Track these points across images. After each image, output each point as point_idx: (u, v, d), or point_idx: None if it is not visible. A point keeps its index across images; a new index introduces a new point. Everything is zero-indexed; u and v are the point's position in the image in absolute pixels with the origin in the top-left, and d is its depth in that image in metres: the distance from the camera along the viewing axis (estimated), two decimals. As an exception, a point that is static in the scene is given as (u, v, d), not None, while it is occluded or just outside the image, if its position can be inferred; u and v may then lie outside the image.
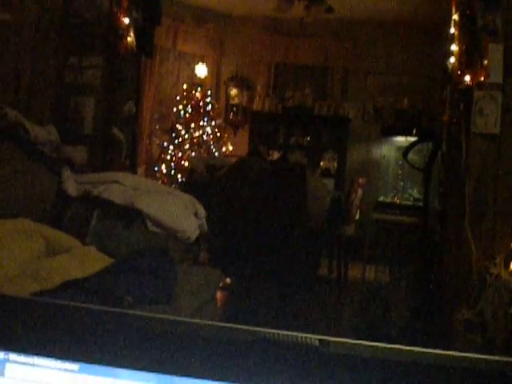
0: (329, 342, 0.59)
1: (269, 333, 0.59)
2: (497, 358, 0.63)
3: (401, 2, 8.98)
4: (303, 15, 8.79)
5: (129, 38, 5.13)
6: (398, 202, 9.07)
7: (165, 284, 3.01)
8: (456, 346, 3.95)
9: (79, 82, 4.90)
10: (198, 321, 0.62)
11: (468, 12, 4.49)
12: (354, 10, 9.67)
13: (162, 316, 0.66)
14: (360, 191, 8.07)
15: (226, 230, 6.38)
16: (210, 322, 0.61)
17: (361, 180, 8.14)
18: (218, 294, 5.33)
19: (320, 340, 0.59)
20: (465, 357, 0.59)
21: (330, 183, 9.38)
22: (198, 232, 4.00)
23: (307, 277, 6.75)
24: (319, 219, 7.06)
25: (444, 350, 0.61)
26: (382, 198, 9.39)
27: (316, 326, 5.33)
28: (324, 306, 6.64)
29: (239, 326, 0.60)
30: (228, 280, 6.35)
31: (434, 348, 0.60)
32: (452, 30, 4.87)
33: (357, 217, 8.16)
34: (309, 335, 0.59)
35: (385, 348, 0.58)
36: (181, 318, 0.64)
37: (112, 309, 0.72)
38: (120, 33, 5.02)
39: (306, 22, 9.82)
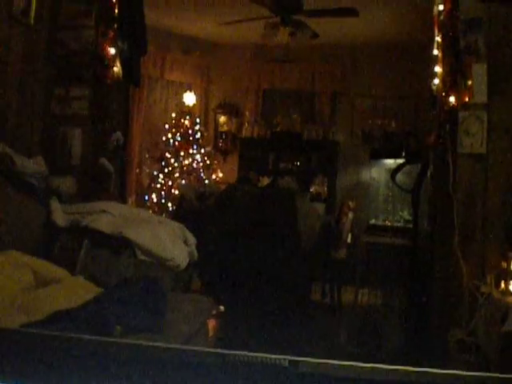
0: (298, 362, 0.59)
1: (239, 355, 0.59)
2: (482, 374, 0.63)
3: (385, 25, 9.06)
4: (288, 41, 8.85)
5: (115, 68, 5.14)
6: (388, 224, 9.08)
7: (155, 313, 2.99)
8: (450, 367, 3.94)
9: (67, 113, 4.91)
10: (167, 345, 0.62)
11: (451, 33, 4.54)
12: (339, 34, 9.75)
13: (126, 341, 0.65)
14: (351, 215, 8.08)
15: (217, 258, 6.36)
16: (179, 347, 0.61)
17: (351, 203, 8.16)
18: (211, 322, 5.30)
19: (290, 361, 0.59)
20: (435, 373, 0.59)
21: (320, 208, 9.38)
22: (187, 260, 3.99)
23: (300, 302, 6.73)
24: (311, 244, 7.05)
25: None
26: (372, 221, 9.39)
27: (310, 351, 5.30)
28: (317, 330, 6.61)
29: (209, 350, 0.60)
30: (221, 307, 6.32)
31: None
32: (435, 52, 4.91)
33: (348, 240, 8.16)
34: (278, 356, 0.60)
35: (353, 366, 0.59)
36: (149, 343, 0.64)
37: (97, 338, 0.71)
38: (106, 63, 5.04)
39: (292, 48, 9.91)
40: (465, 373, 0.64)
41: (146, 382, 0.66)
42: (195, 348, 0.62)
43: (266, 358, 0.61)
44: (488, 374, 0.64)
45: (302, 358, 0.60)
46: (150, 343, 0.66)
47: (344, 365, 0.60)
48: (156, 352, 0.65)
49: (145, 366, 0.66)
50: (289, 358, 0.61)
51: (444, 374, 0.63)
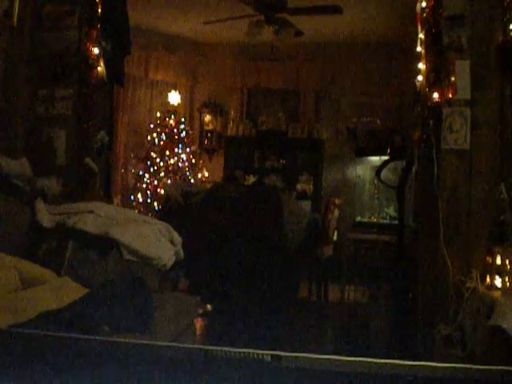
0: (280, 356, 0.59)
1: (221, 351, 0.60)
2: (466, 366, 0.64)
3: (369, 22, 9.09)
4: (273, 40, 8.87)
5: (99, 68, 5.13)
6: (374, 221, 9.10)
7: (142, 312, 2.99)
8: (436, 362, 3.95)
9: (51, 114, 4.89)
10: (151, 342, 0.62)
11: (434, 30, 4.55)
12: (324, 32, 9.77)
13: (112, 339, 0.66)
14: (337, 212, 8.10)
15: (203, 257, 6.36)
16: (163, 343, 0.62)
17: (337, 201, 8.18)
18: (198, 321, 5.31)
19: (272, 355, 0.60)
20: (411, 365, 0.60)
21: (306, 205, 9.41)
22: (174, 259, 3.99)
23: (287, 300, 6.74)
24: (297, 241, 7.06)
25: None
26: (358, 218, 9.41)
27: (298, 348, 5.31)
28: (304, 328, 6.62)
29: (192, 346, 0.61)
30: (208, 306, 6.32)
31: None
32: (419, 49, 4.93)
33: (334, 237, 8.18)
34: (261, 351, 0.60)
35: (334, 360, 0.59)
36: (130, 340, 0.64)
37: (83, 336, 0.72)
38: (90, 63, 5.02)
39: (277, 47, 9.92)
40: (449, 365, 0.65)
41: (132, 378, 0.66)
42: (179, 344, 0.63)
43: (249, 353, 0.61)
44: (471, 366, 0.65)
45: (284, 353, 0.61)
46: (135, 341, 0.66)
47: (325, 359, 0.61)
48: (140, 349, 0.65)
49: (130, 363, 0.66)
50: (271, 352, 0.61)
51: (428, 366, 0.64)
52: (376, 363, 0.60)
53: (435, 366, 0.64)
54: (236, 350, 0.61)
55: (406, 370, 0.60)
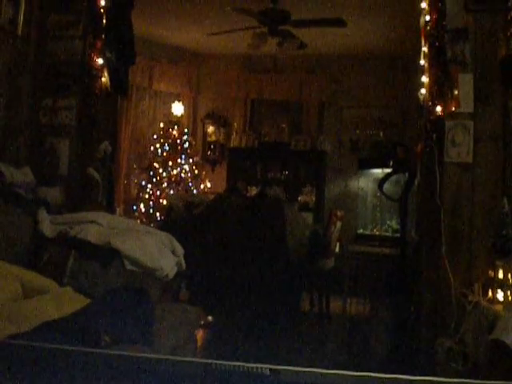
0: (279, 370, 0.59)
1: (221, 365, 0.60)
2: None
3: (372, 35, 9.11)
4: (276, 52, 8.89)
5: (103, 79, 5.15)
6: (377, 233, 9.08)
7: (143, 323, 2.99)
8: (438, 375, 3.94)
9: (54, 123, 4.90)
10: (152, 356, 0.62)
11: (437, 43, 4.56)
12: (327, 45, 9.80)
13: (112, 352, 0.66)
14: (339, 224, 8.09)
15: (205, 268, 6.36)
16: (163, 357, 0.62)
17: (339, 213, 8.17)
18: (199, 332, 5.30)
19: (271, 369, 0.60)
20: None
21: (308, 217, 9.40)
22: (175, 270, 3.98)
23: (289, 312, 6.73)
24: (299, 253, 7.06)
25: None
26: (361, 230, 9.40)
27: (298, 361, 5.29)
28: (306, 340, 6.61)
29: (192, 359, 0.61)
30: (209, 317, 6.31)
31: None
32: (422, 62, 4.94)
33: (336, 250, 8.17)
34: (260, 365, 0.60)
35: (333, 374, 0.59)
36: (130, 354, 0.64)
37: (84, 349, 0.72)
38: (94, 73, 5.04)
39: (280, 58, 9.95)
40: (451, 380, 0.65)
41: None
42: (178, 358, 0.63)
43: (248, 366, 0.61)
44: (472, 381, 0.65)
45: (282, 367, 0.61)
46: (135, 354, 0.66)
47: (324, 373, 0.61)
48: (140, 362, 0.65)
49: (130, 375, 0.66)
50: (270, 366, 0.61)
51: (430, 381, 0.64)
52: (376, 378, 0.60)
53: (438, 381, 0.64)
54: (235, 363, 0.61)
55: None
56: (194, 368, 0.63)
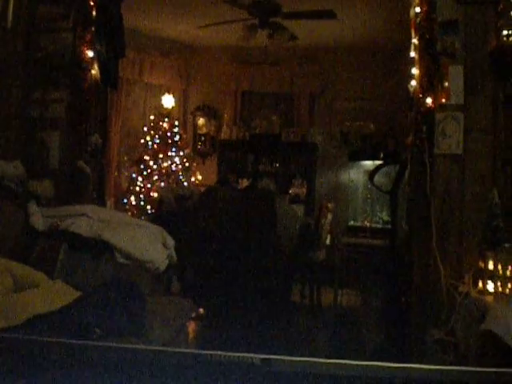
0: (270, 360, 0.60)
1: (212, 355, 0.60)
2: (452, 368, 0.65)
3: (363, 28, 9.11)
4: (267, 44, 8.88)
5: (93, 71, 5.13)
6: (367, 225, 9.12)
7: (134, 315, 2.99)
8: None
9: (44, 117, 4.88)
10: (144, 347, 0.62)
11: (427, 35, 4.57)
12: (317, 37, 9.79)
13: (104, 344, 0.66)
14: (330, 216, 8.10)
15: (196, 260, 6.36)
16: (155, 348, 0.62)
17: (330, 205, 8.18)
18: (191, 324, 5.30)
19: (262, 359, 0.60)
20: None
21: (299, 209, 9.40)
22: (167, 262, 3.99)
23: (280, 303, 6.74)
24: (290, 245, 7.07)
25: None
26: (351, 222, 9.44)
27: (289, 352, 5.30)
28: (297, 331, 6.62)
29: (184, 350, 0.61)
30: (201, 310, 6.31)
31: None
32: (412, 54, 4.94)
33: (327, 241, 8.19)
34: (251, 355, 0.60)
35: (323, 363, 0.60)
36: (122, 345, 0.65)
37: (75, 341, 0.72)
38: (84, 66, 5.02)
39: (270, 50, 9.93)
40: (440, 367, 0.65)
41: (123, 382, 0.66)
42: (170, 349, 0.63)
43: (239, 356, 0.62)
44: (461, 368, 0.65)
45: (273, 356, 0.61)
46: (127, 345, 0.66)
47: (314, 362, 0.61)
48: (132, 354, 0.66)
49: (121, 367, 0.66)
50: (261, 356, 0.62)
51: (421, 368, 0.64)
52: (367, 366, 0.61)
53: (428, 369, 0.65)
54: (227, 353, 0.62)
55: (399, 372, 0.61)
56: (186, 358, 0.63)
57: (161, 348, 0.64)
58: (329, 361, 0.61)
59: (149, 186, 9.67)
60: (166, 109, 10.22)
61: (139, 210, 9.51)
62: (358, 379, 0.60)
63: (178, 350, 0.64)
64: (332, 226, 8.25)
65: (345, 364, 0.61)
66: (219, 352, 0.63)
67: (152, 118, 10.16)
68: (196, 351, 0.63)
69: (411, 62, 4.96)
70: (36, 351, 0.71)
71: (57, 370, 0.71)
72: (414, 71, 4.84)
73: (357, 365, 0.60)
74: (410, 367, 0.62)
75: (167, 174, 9.80)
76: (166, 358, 0.64)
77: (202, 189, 8.09)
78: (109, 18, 5.30)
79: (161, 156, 9.82)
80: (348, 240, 8.28)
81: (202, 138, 11.10)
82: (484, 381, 0.65)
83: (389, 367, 0.61)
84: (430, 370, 0.63)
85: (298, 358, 0.62)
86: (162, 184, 9.64)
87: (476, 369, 0.66)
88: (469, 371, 0.65)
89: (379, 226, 9.01)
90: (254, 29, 8.11)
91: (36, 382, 0.72)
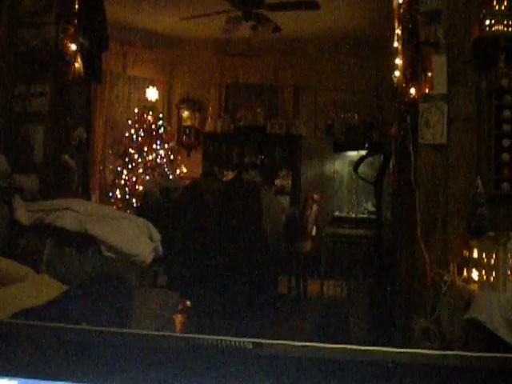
0: (262, 344, 0.60)
1: (203, 339, 0.61)
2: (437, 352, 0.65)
3: (346, 18, 9.11)
4: (251, 35, 8.86)
5: (76, 64, 5.11)
6: (353, 215, 9.16)
7: (121, 308, 2.99)
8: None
9: (28, 111, 4.86)
10: (131, 331, 0.63)
11: (410, 26, 4.58)
12: (301, 28, 9.78)
13: (90, 328, 0.66)
14: (315, 207, 8.12)
15: (182, 252, 6.36)
16: (146, 332, 0.63)
17: (315, 196, 8.19)
18: (177, 317, 5.31)
19: (253, 343, 0.61)
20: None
21: (285, 200, 9.43)
22: (152, 255, 3.99)
23: (266, 295, 6.75)
24: (276, 237, 7.08)
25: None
26: (337, 213, 9.46)
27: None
28: (284, 322, 6.64)
29: (175, 334, 0.62)
30: (187, 302, 6.32)
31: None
32: (396, 44, 4.95)
33: (313, 233, 8.21)
34: (243, 339, 0.61)
35: (315, 347, 0.60)
36: (111, 329, 0.65)
37: (68, 326, 0.72)
38: (67, 59, 4.99)
39: (254, 42, 9.92)
40: (430, 352, 0.66)
41: (113, 367, 0.67)
42: (160, 333, 0.64)
43: (231, 340, 0.62)
44: (449, 352, 0.66)
45: (265, 341, 0.62)
46: (116, 329, 0.67)
47: (306, 346, 0.62)
48: (122, 338, 0.66)
49: (111, 351, 0.67)
50: (253, 340, 0.62)
51: (409, 352, 0.65)
52: (356, 350, 0.62)
53: (416, 353, 0.65)
54: (217, 337, 0.62)
55: (387, 356, 0.62)
56: (176, 342, 0.64)
57: (150, 332, 0.65)
58: (321, 345, 0.62)
59: (134, 179, 9.66)
60: (151, 102, 10.19)
61: (124, 204, 9.49)
62: (350, 363, 0.61)
63: (167, 333, 0.64)
64: (317, 216, 8.27)
65: (336, 348, 0.62)
66: (209, 336, 0.63)
67: (136, 111, 10.13)
68: (186, 335, 0.63)
69: (395, 53, 4.97)
70: (24, 336, 0.72)
71: (45, 355, 0.71)
72: (398, 61, 4.85)
73: (350, 349, 0.61)
74: (398, 352, 0.63)
75: (152, 167, 9.79)
76: (155, 342, 0.65)
77: (187, 181, 8.09)
78: (91, 10, 5.28)
79: (145, 149, 9.80)
80: (334, 230, 8.30)
81: (187, 131, 11.07)
82: (469, 365, 0.66)
83: (378, 351, 0.62)
84: (414, 353, 0.64)
85: (291, 342, 0.63)
86: (147, 177, 9.63)
87: (461, 353, 0.67)
88: (453, 355, 0.66)
89: (365, 216, 9.04)
90: (237, 21, 8.09)
91: (3, 365, 0.72)
